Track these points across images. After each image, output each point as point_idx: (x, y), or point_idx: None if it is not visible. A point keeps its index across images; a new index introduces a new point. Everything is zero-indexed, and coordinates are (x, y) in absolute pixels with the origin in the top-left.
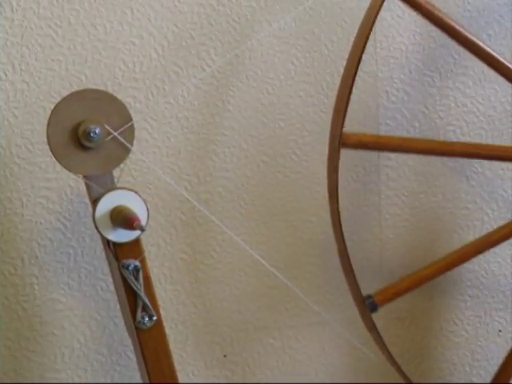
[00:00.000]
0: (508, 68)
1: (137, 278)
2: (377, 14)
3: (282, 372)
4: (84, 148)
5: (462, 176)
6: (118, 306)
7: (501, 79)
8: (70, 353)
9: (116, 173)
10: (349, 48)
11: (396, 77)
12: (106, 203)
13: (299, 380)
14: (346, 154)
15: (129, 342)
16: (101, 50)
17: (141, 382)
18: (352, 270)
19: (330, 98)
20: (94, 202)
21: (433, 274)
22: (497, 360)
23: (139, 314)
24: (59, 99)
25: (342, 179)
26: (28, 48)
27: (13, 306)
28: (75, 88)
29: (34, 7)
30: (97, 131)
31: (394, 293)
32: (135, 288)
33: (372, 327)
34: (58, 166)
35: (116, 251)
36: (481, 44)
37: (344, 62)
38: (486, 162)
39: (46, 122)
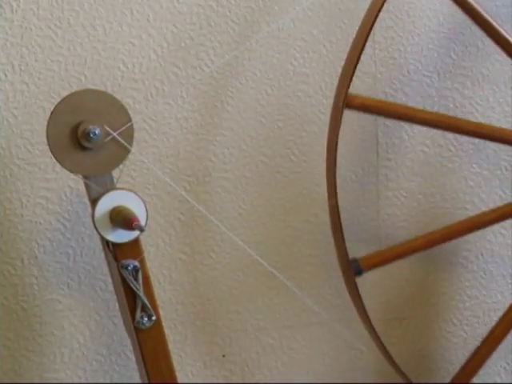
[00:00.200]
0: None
1: (136, 278)
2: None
3: (281, 372)
4: (83, 148)
5: (460, 177)
6: (117, 306)
7: (499, 80)
8: (70, 353)
9: (115, 173)
10: (347, 49)
11: (395, 77)
12: (106, 203)
13: (298, 380)
14: (344, 155)
15: (128, 341)
16: (100, 50)
17: (140, 381)
18: (341, 229)
19: (328, 99)
20: (94, 202)
21: (420, 246)
22: (495, 361)
23: (138, 314)
24: (59, 100)
25: (341, 180)
26: (28, 49)
27: (12, 305)
28: (75, 88)
29: (33, 8)
30: (96, 132)
31: (381, 259)
32: (134, 288)
33: (355, 294)
34: (58, 167)
35: (115, 251)
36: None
37: (342, 63)
38: (484, 162)
39: (45, 123)
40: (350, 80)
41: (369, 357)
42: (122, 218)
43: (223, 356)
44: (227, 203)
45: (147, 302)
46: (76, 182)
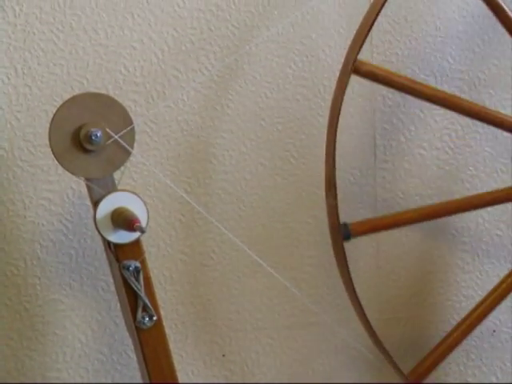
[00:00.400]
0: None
1: (137, 279)
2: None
3: (280, 371)
4: (85, 151)
5: (457, 179)
6: (119, 306)
7: (495, 84)
8: (72, 352)
9: (117, 175)
10: (345, 52)
11: None
12: (107, 205)
13: (297, 379)
14: (342, 157)
15: (129, 341)
16: (102, 54)
17: (141, 381)
18: (335, 193)
19: (326, 102)
20: (95, 203)
21: (411, 218)
22: (491, 360)
23: (139, 314)
24: (61, 103)
25: (339, 181)
26: (30, 52)
27: (15, 306)
28: (77, 92)
29: (36, 12)
30: (98, 134)
31: (370, 227)
32: (136, 288)
33: (342, 258)
34: (60, 169)
35: (117, 252)
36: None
37: (340, 67)
38: (480, 165)
39: (48, 125)
40: (361, 45)
41: (367, 356)
42: (123, 220)
43: (223, 355)
44: (227, 205)
45: (148, 302)
46: (78, 184)
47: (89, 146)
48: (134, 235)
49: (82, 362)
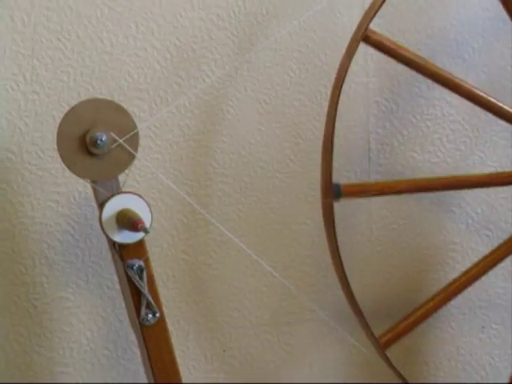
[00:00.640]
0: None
1: (141, 277)
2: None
3: (278, 366)
4: (91, 154)
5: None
6: (123, 304)
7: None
8: (78, 348)
9: (121, 178)
10: (340, 59)
11: (386, 88)
12: (112, 206)
13: (295, 374)
14: (337, 160)
15: (133, 337)
16: (107, 62)
17: (144, 375)
18: (331, 156)
19: (323, 108)
20: (101, 205)
21: (404, 188)
22: (480, 355)
23: (143, 311)
24: (68, 108)
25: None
26: (38, 60)
27: (24, 303)
28: (83, 98)
29: (44, 22)
30: (103, 139)
31: (361, 190)
32: (139, 287)
33: (329, 218)
34: (67, 172)
35: (121, 252)
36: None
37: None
38: (470, 169)
39: (55, 130)
40: (374, 14)
41: (362, 351)
42: (127, 220)
43: (224, 351)
44: (227, 206)
45: (151, 300)
46: (84, 186)
47: (94, 150)
48: (138, 235)
49: (87, 358)
